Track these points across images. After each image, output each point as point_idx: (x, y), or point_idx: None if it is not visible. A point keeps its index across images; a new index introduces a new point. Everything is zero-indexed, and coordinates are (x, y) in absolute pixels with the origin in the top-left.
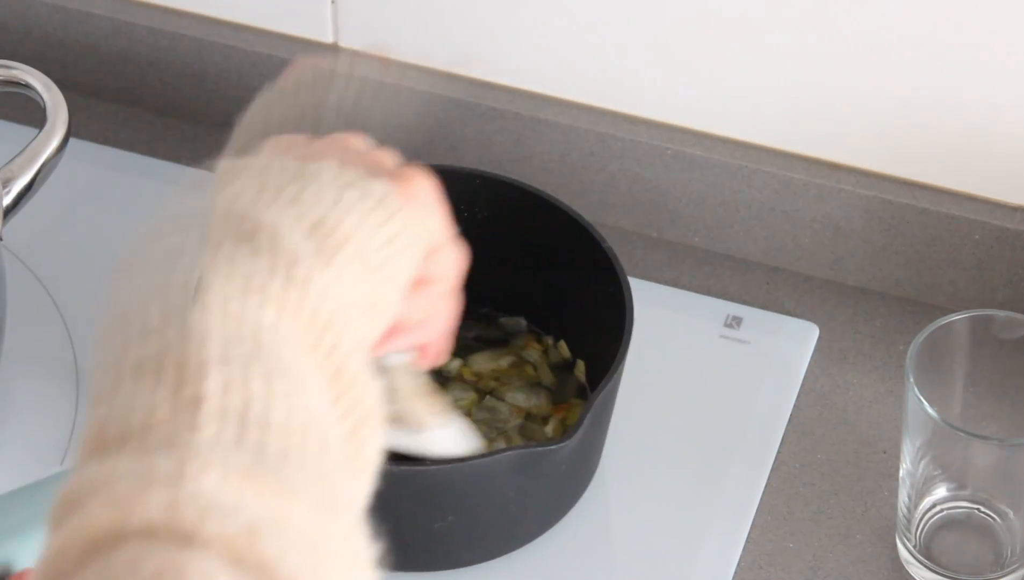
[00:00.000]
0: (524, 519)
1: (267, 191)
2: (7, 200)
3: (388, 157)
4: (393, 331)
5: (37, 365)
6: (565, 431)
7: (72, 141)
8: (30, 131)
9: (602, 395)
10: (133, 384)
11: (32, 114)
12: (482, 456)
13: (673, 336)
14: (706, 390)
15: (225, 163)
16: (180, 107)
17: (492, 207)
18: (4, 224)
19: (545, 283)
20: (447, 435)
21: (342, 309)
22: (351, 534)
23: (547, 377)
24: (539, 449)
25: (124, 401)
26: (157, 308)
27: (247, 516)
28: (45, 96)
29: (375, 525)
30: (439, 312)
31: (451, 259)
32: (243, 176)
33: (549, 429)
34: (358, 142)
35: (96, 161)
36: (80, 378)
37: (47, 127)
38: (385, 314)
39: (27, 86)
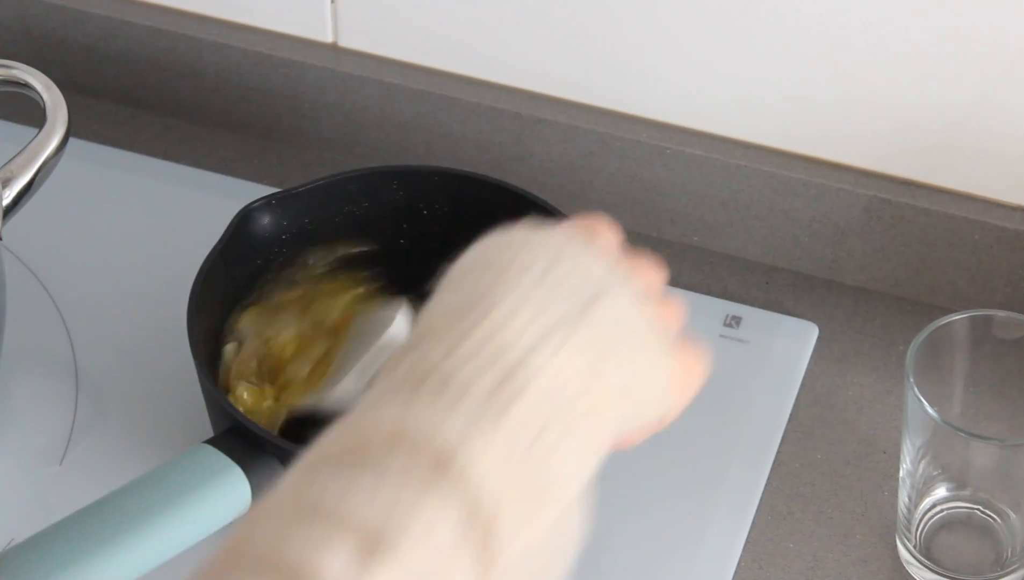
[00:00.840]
0: None
1: (595, 359)
2: (7, 200)
3: (672, 312)
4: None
5: (37, 365)
6: None
7: (72, 141)
8: (30, 131)
9: None
10: (472, 353)
11: (32, 114)
12: None
13: None
14: (705, 390)
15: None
16: (180, 107)
17: (453, 202)
18: (4, 224)
19: None
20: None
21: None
22: None
23: None
24: None
25: (457, 360)
26: (517, 326)
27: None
28: (45, 96)
29: None
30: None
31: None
32: (620, 297)
33: None
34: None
35: (96, 161)
36: (79, 377)
37: (47, 127)
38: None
39: (27, 86)
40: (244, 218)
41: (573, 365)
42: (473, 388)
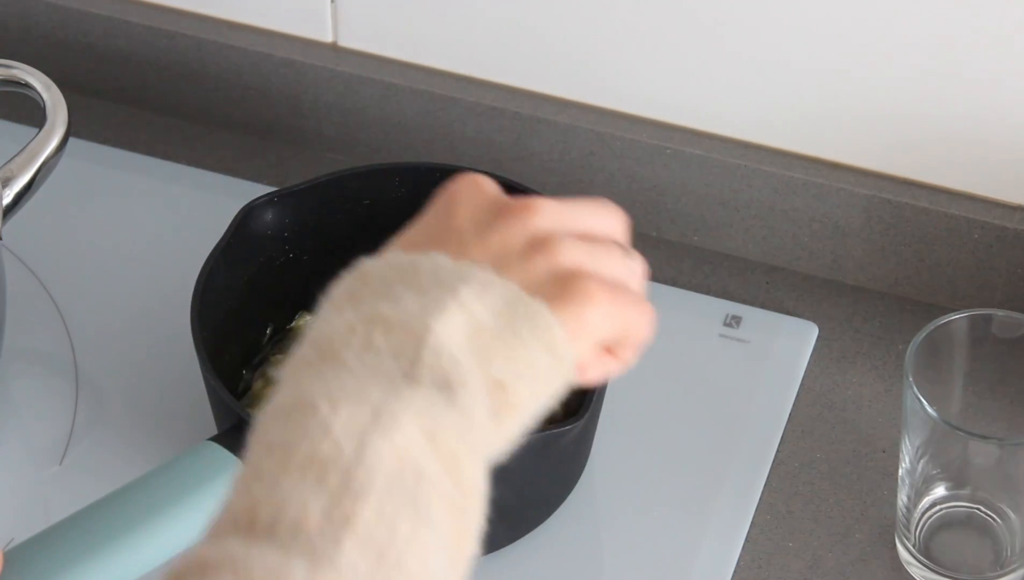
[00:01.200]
0: (533, 505)
1: (474, 331)
2: (7, 200)
3: (569, 249)
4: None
5: (37, 365)
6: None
7: (72, 141)
8: (30, 131)
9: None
10: (298, 478)
11: (32, 114)
12: None
13: (672, 335)
14: (705, 389)
15: (440, 258)
16: (180, 107)
17: None
18: (4, 224)
19: None
20: None
21: (485, 471)
22: None
23: None
24: (554, 431)
25: (283, 492)
26: (344, 416)
27: None
28: (45, 96)
29: None
30: (622, 369)
31: (638, 334)
32: (459, 294)
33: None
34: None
35: (96, 161)
36: (80, 377)
37: (47, 127)
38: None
39: (27, 86)
40: (246, 216)
41: (415, 428)
42: (306, 520)
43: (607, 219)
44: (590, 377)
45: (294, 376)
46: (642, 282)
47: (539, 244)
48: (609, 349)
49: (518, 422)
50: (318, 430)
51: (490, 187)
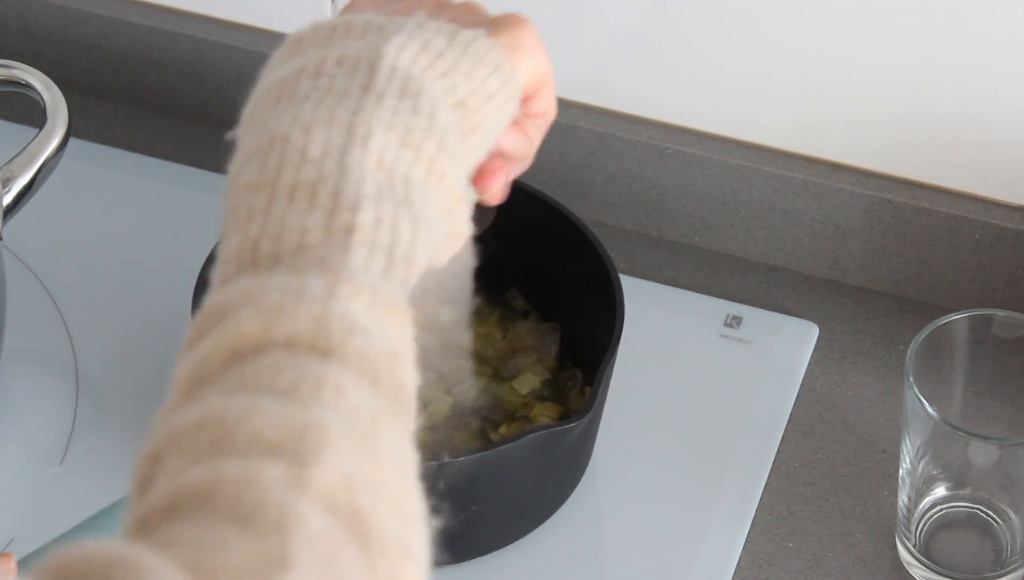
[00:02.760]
0: (535, 504)
1: (428, 54)
2: (7, 200)
3: (481, 7)
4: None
5: (37, 365)
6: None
7: (72, 141)
8: (30, 131)
9: (607, 370)
10: (287, 205)
11: (32, 114)
12: (509, 441)
13: (673, 336)
14: (706, 390)
15: (370, 15)
16: (180, 107)
17: None
18: (4, 224)
19: (531, 272)
20: None
21: (463, 181)
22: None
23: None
24: (557, 429)
25: (277, 221)
26: (319, 140)
27: (389, 343)
28: (45, 96)
29: None
30: (526, 148)
31: (549, 98)
32: (403, 29)
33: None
34: None
35: (96, 161)
36: (80, 377)
37: (47, 127)
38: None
39: (27, 86)
40: None
41: (390, 136)
42: (308, 239)
43: None
44: (511, 141)
45: (254, 122)
46: None
47: (451, 4)
48: (532, 116)
49: (480, 145)
50: (296, 158)
51: None
